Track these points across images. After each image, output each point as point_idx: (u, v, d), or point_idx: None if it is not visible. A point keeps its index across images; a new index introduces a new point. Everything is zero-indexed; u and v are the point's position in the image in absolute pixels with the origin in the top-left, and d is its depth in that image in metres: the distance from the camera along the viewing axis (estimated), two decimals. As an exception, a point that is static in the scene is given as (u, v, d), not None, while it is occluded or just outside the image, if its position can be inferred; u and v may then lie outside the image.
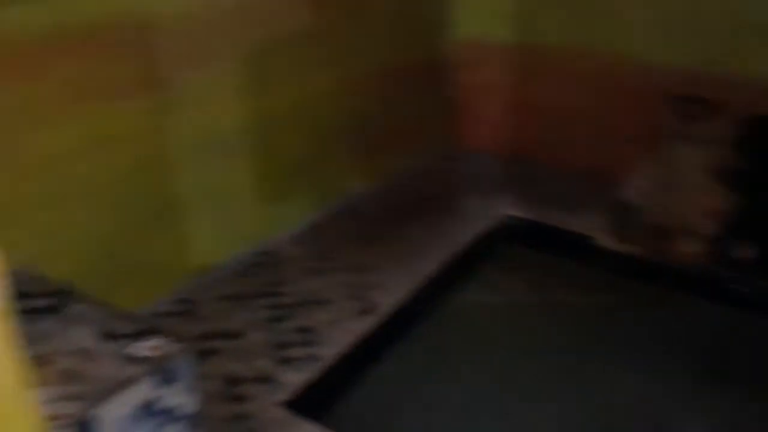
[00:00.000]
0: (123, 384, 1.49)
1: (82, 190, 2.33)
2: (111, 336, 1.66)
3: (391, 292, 2.89)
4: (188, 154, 2.71)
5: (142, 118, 2.47)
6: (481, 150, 4.11)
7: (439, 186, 3.88)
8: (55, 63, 2.04)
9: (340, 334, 2.63)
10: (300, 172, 3.28)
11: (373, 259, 3.10)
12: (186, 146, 2.69)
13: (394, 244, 3.22)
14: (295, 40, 3.01)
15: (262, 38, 2.89)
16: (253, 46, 2.86)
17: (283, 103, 3.07)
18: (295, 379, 2.41)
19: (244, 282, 2.95)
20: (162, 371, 1.56)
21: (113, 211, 2.48)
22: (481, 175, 4.00)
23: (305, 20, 3.04)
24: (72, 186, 2.27)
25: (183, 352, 1.62)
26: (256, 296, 2.86)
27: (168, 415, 1.60)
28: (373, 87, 3.54)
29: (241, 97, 2.87)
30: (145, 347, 1.60)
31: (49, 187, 2.20)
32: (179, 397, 1.62)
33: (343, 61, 3.31)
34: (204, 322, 2.70)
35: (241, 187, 3.00)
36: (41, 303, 1.79)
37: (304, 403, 2.33)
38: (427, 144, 4.07)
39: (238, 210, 3.02)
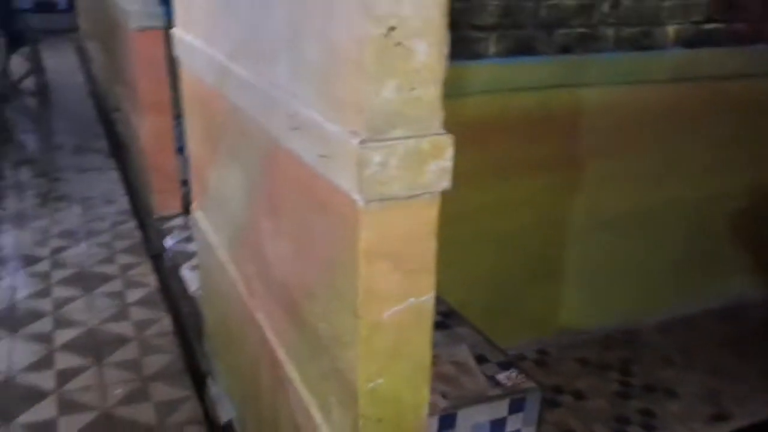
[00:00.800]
0: (486, 398, 1.90)
1: (488, 237, 2.85)
2: (482, 358, 2.08)
3: (749, 407, 2.78)
4: (579, 226, 3.04)
5: (550, 190, 2.89)
6: None
7: None
8: (497, 139, 2.58)
9: (682, 430, 2.67)
10: (681, 266, 3.35)
11: (739, 368, 3.01)
12: (579, 219, 3.03)
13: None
14: (713, 142, 3.09)
15: (677, 137, 3.06)
16: (666, 142, 3.05)
17: (680, 195, 3.20)
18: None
19: (601, 351, 3.16)
20: (514, 399, 1.93)
21: (507, 259, 2.95)
22: None
23: (729, 125, 3.09)
24: (482, 233, 2.80)
25: (533, 390, 1.96)
26: (609, 368, 3.05)
27: (509, 436, 1.96)
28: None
29: (640, 185, 3.09)
30: (506, 375, 1.98)
31: (465, 230, 2.76)
32: (521, 427, 1.96)
33: (756, 166, 3.28)
34: (556, 375, 3.00)
35: (618, 266, 3.22)
36: (437, 318, 2.32)
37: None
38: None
39: (611, 286, 3.24)
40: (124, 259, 3.41)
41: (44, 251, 3.38)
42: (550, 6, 2.07)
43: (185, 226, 3.87)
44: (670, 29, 2.43)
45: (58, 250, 3.43)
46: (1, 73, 6.63)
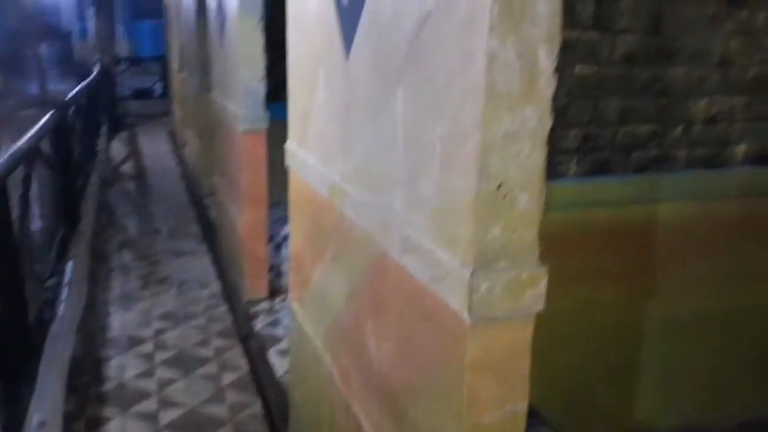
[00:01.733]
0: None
1: (566, 338, 2.99)
2: (559, 459, 2.21)
3: None
4: (654, 329, 3.14)
5: (626, 295, 3.01)
6: None
7: None
8: (578, 249, 2.76)
9: None
10: (757, 367, 3.37)
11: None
12: (654, 322, 3.13)
13: None
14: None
15: (747, 247, 3.17)
16: (736, 252, 3.16)
17: (753, 301, 3.27)
18: None
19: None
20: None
21: (584, 359, 3.07)
22: None
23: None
24: (561, 334, 2.94)
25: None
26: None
27: None
28: None
29: (713, 291, 3.19)
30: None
31: (545, 331, 2.91)
32: None
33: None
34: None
35: (693, 367, 3.28)
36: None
37: None
38: None
39: (684, 387, 3.29)
40: (218, 342, 3.70)
41: (148, 332, 3.70)
42: (627, 132, 2.30)
43: (271, 311, 4.15)
44: (739, 149, 2.60)
45: (160, 332, 3.75)
46: (104, 158, 7.27)
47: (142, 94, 13.90)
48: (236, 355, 3.54)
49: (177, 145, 9.53)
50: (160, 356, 3.46)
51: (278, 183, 4.24)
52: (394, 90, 1.63)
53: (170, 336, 3.71)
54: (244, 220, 4.16)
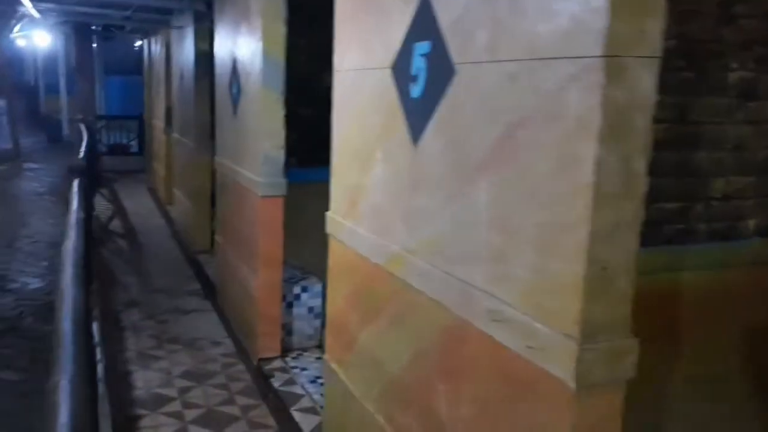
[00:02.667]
0: None
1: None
2: None
3: None
4: (681, 389, 3.33)
5: (653, 357, 3.15)
6: None
7: None
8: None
9: None
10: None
11: None
12: (675, 382, 3.32)
13: None
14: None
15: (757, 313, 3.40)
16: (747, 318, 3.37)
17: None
18: None
19: None
20: None
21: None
22: None
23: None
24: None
25: None
26: None
27: None
28: None
29: (726, 354, 3.41)
30: None
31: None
32: None
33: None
34: None
35: (709, 425, 3.46)
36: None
37: None
38: None
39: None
40: (242, 400, 3.78)
41: (172, 391, 3.77)
42: (656, 208, 2.56)
43: (285, 369, 4.25)
44: (751, 222, 2.88)
45: (184, 391, 3.82)
46: (88, 215, 7.29)
47: (118, 150, 13.94)
48: (263, 414, 3.63)
49: (161, 203, 9.58)
50: (189, 415, 3.52)
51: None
52: (475, 180, 1.85)
53: (195, 395, 3.78)
54: (260, 280, 4.29)
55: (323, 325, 4.83)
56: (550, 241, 1.57)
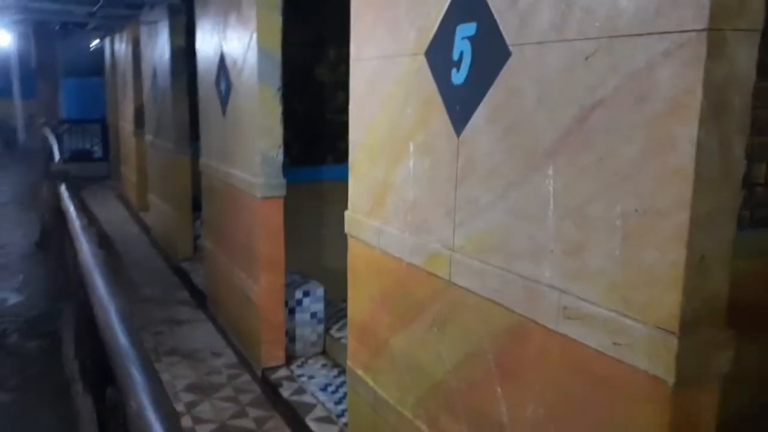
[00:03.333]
0: None
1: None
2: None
3: None
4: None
5: None
6: None
7: None
8: None
9: None
10: None
11: None
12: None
13: None
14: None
15: None
16: None
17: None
18: None
19: None
20: None
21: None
22: None
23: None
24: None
25: None
26: None
27: None
28: None
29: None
30: None
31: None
32: None
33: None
34: None
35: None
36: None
37: None
38: None
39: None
40: (254, 412, 3.61)
41: (179, 406, 3.58)
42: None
43: (292, 378, 4.10)
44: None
45: (192, 405, 3.63)
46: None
47: (81, 156, 13.48)
48: (278, 426, 3.48)
49: (133, 210, 9.28)
50: (201, 430, 3.35)
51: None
52: (541, 167, 1.74)
53: (204, 409, 3.60)
54: (261, 286, 4.13)
55: (327, 330, 4.70)
56: (640, 231, 1.48)
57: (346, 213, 2.90)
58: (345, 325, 4.69)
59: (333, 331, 4.62)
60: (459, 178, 2.10)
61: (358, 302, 2.90)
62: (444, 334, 2.25)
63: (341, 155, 5.26)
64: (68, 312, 4.02)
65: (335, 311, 4.75)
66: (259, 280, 4.16)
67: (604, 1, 1.52)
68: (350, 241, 2.91)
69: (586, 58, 1.58)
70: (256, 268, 4.19)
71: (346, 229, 2.91)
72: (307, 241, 5.05)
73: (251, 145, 4.08)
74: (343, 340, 4.46)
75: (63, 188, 3.86)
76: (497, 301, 1.95)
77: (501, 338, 1.96)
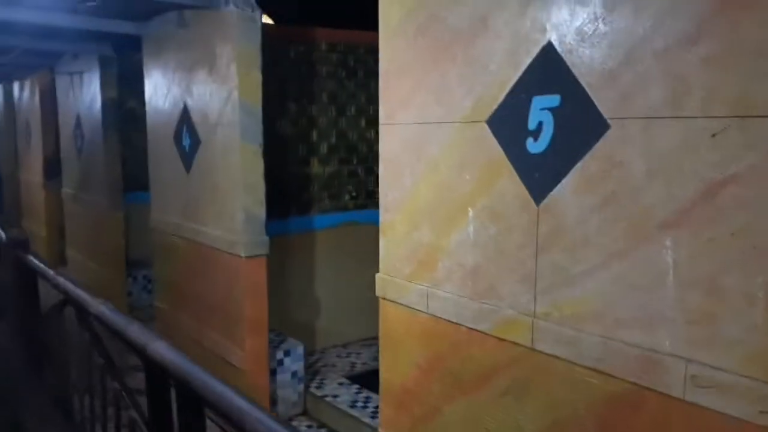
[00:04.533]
0: None
1: None
2: None
3: None
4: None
5: None
6: None
7: None
8: None
9: None
10: None
11: None
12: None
13: None
14: None
15: None
16: None
17: None
18: None
19: None
20: None
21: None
22: None
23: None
24: None
25: None
26: None
27: None
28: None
29: None
30: None
31: None
32: None
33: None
34: None
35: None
36: None
37: None
38: None
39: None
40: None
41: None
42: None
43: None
44: None
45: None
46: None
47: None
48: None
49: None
50: None
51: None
52: (657, 238, 1.77)
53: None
54: (246, 350, 3.92)
55: (307, 389, 4.52)
56: (788, 302, 1.53)
57: (378, 275, 2.82)
58: (323, 381, 4.56)
59: (313, 389, 4.46)
60: (540, 246, 2.10)
61: (395, 368, 2.81)
62: (523, 401, 2.22)
63: (304, 207, 5.15)
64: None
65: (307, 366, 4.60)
66: (243, 343, 3.95)
67: (730, 81, 1.59)
68: (384, 305, 2.83)
69: (713, 135, 1.63)
70: (238, 330, 3.98)
71: (378, 292, 2.82)
72: (274, 294, 4.87)
73: (231, 202, 3.90)
74: (327, 399, 4.31)
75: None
76: (599, 369, 1.95)
77: (602, 406, 1.96)
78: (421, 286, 2.59)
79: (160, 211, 4.89)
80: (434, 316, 2.54)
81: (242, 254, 3.83)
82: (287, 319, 5.00)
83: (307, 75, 5.05)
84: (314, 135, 5.10)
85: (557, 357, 2.08)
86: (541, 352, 2.13)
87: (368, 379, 4.47)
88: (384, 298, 2.81)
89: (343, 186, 5.31)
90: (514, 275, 2.20)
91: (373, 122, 5.38)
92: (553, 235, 2.06)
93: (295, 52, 4.93)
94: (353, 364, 4.92)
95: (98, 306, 2.87)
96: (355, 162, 5.33)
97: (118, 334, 2.55)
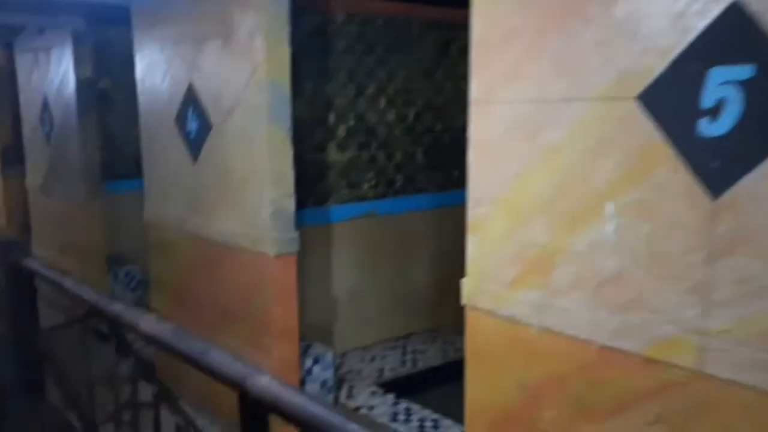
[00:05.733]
0: None
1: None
2: None
3: None
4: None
5: None
6: None
7: None
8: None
9: None
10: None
11: None
12: None
13: None
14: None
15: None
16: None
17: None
18: None
19: None
20: None
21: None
22: None
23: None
24: None
25: None
26: None
27: None
28: None
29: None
30: None
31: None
32: None
33: None
34: None
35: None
36: None
37: None
38: None
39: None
40: None
41: None
42: None
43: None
44: None
45: None
46: None
47: None
48: None
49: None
50: None
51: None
52: None
53: None
54: (275, 359, 3.47)
55: (336, 400, 4.09)
56: None
57: (465, 281, 2.42)
58: (352, 390, 4.13)
59: (344, 400, 4.05)
60: (717, 249, 1.73)
61: (489, 389, 2.42)
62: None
63: (322, 197, 4.69)
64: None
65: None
66: (271, 352, 3.50)
67: None
68: (472, 315, 2.43)
69: None
70: (266, 337, 3.53)
71: (465, 300, 2.42)
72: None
73: (255, 195, 3.42)
74: (362, 411, 3.91)
75: None
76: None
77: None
78: (531, 295, 2.20)
79: (157, 204, 4.35)
80: (550, 330, 2.15)
81: (270, 253, 3.37)
82: (302, 319, 4.55)
83: (324, 50, 4.56)
84: (331, 118, 4.62)
85: (737, 383, 1.72)
86: (714, 376, 1.77)
87: (402, 387, 4.09)
88: (474, 308, 2.41)
89: (362, 174, 4.85)
90: (676, 284, 1.83)
91: (393, 103, 4.94)
92: (735, 237, 1.69)
93: (310, 23, 4.43)
94: (381, 370, 4.50)
95: (151, 323, 2.40)
96: (374, 147, 4.87)
97: (196, 364, 2.11)
